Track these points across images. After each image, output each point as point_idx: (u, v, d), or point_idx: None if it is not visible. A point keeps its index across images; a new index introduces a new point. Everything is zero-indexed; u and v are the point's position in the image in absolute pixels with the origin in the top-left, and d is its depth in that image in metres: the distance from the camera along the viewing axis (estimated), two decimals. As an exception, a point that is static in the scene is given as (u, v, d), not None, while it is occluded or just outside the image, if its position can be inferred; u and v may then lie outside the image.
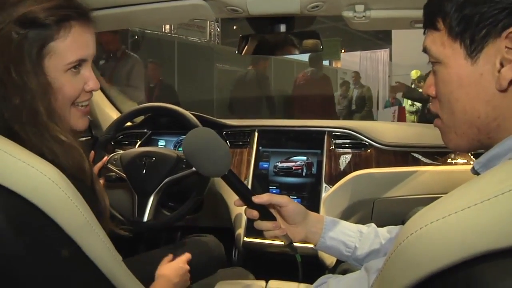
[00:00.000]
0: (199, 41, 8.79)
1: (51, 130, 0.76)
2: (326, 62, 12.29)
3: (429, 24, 0.73)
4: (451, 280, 0.44)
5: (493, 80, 0.65)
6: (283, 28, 1.41)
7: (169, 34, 7.71)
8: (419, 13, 1.24)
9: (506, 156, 0.66)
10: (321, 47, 1.42)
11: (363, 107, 7.50)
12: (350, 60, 12.24)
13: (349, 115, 7.47)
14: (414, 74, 6.95)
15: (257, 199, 0.96)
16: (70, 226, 0.63)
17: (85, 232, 0.65)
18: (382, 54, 10.40)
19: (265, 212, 0.99)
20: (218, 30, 9.32)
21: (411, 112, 6.78)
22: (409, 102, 6.79)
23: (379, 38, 9.22)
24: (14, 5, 0.73)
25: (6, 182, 0.59)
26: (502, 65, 0.64)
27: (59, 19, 0.77)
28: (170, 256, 1.22)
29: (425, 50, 0.75)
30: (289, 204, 1.01)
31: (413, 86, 6.89)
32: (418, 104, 6.67)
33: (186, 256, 1.23)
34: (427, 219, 0.46)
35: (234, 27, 9.42)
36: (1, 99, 0.73)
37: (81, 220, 0.64)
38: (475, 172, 0.73)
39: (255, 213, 0.97)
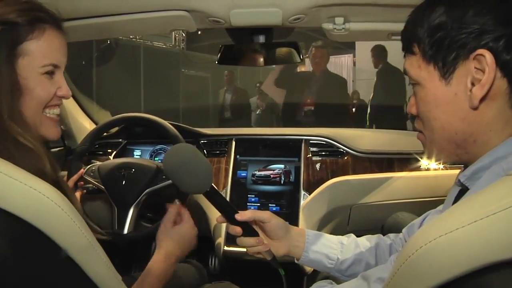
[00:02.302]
0: (164, 46, 8.70)
1: (10, 130, 0.76)
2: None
3: (406, 48, 0.78)
4: None
5: (466, 99, 0.70)
6: (262, 38, 1.42)
7: (134, 39, 7.58)
8: (396, 26, 1.29)
9: (490, 169, 0.70)
10: (301, 57, 1.44)
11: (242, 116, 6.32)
12: (315, 65, 12.40)
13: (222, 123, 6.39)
14: (378, 79, 7.13)
15: (240, 216, 0.97)
16: (72, 247, 0.61)
17: (87, 253, 0.64)
18: (346, 59, 10.60)
19: (248, 228, 1.00)
20: (183, 35, 9.24)
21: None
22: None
23: (343, 43, 9.42)
24: None
25: (5, 205, 0.57)
26: (473, 85, 0.69)
27: (32, 19, 0.80)
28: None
29: (405, 72, 0.80)
30: (272, 219, 1.03)
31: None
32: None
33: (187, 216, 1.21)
34: (435, 233, 0.48)
35: (199, 32, 9.37)
36: None
37: (83, 241, 0.63)
38: (461, 184, 0.77)
39: (238, 230, 0.98)
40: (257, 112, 6.71)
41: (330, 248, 1.06)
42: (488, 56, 0.66)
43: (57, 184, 0.79)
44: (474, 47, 0.67)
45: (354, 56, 10.47)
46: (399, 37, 1.36)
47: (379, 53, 4.95)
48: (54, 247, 0.60)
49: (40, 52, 0.81)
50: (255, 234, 1.00)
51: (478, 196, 0.50)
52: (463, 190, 0.79)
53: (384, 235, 1.15)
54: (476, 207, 0.48)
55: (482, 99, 0.68)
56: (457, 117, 0.72)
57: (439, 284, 0.47)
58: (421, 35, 0.73)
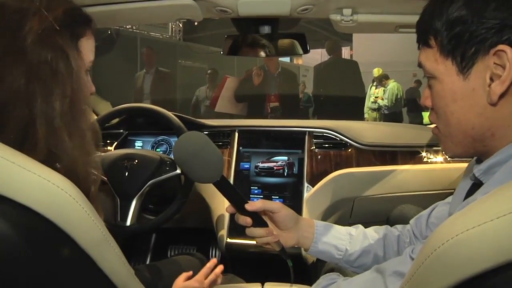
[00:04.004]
0: (161, 37, 8.64)
1: (87, 122, 0.77)
2: (287, 59, 12.42)
3: (422, 40, 0.77)
4: (492, 281, 0.46)
5: (485, 94, 0.69)
6: (268, 29, 1.41)
7: (131, 30, 7.52)
8: (404, 19, 1.29)
9: (507, 163, 0.69)
10: (308, 49, 1.43)
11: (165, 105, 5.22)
12: (311, 57, 12.41)
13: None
14: (376, 72, 7.16)
15: (250, 206, 0.95)
16: (87, 241, 0.60)
17: (101, 247, 0.63)
18: (343, 51, 10.60)
19: (258, 219, 0.99)
20: (180, 26, 9.19)
21: (373, 109, 6.97)
22: (371, 99, 6.98)
23: (340, 36, 9.41)
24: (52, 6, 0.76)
25: (19, 197, 0.56)
26: (492, 80, 0.68)
27: (87, 20, 0.83)
28: (189, 273, 1.19)
29: (420, 65, 0.78)
30: (282, 209, 1.02)
31: (375, 83, 7.10)
32: (381, 102, 6.87)
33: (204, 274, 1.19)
34: (464, 226, 0.48)
35: (196, 23, 9.33)
36: (48, 86, 0.71)
37: (98, 235, 0.62)
38: (476, 178, 0.76)
39: (248, 220, 0.97)
40: (206, 104, 5.90)
41: (339, 239, 1.06)
42: (510, 52, 0.64)
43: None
44: (494, 43, 0.66)
45: (351, 49, 10.46)
46: (406, 30, 1.37)
47: (332, 47, 5.03)
48: (67, 240, 0.59)
49: (89, 50, 0.83)
50: (265, 225, 0.99)
51: (508, 188, 0.49)
52: (475, 184, 0.78)
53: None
54: (506, 200, 0.47)
55: (502, 95, 0.67)
56: (474, 112, 0.71)
57: (467, 278, 0.47)
58: (439, 28, 0.72)
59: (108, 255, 0.64)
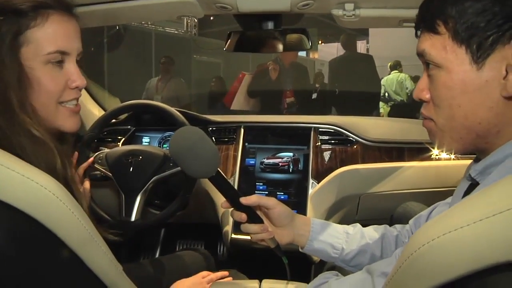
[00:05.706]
0: (176, 32, 8.67)
1: (22, 122, 0.74)
2: (303, 53, 12.32)
3: (427, 26, 0.72)
4: None
5: (498, 87, 0.65)
6: (271, 25, 1.40)
7: (146, 25, 7.56)
8: (408, 13, 1.26)
9: (503, 163, 0.67)
10: (310, 44, 1.42)
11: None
12: (327, 51, 12.31)
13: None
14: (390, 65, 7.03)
15: (245, 200, 0.95)
16: (72, 239, 0.61)
17: (87, 245, 0.63)
18: (359, 45, 10.48)
19: (253, 215, 0.98)
20: (195, 21, 9.19)
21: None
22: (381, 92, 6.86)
23: (356, 30, 9.30)
24: None
25: (4, 197, 0.56)
26: (507, 72, 0.64)
27: (36, 6, 0.76)
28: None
29: (421, 53, 0.73)
30: (277, 206, 1.01)
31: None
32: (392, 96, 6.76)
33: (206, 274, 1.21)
34: (440, 230, 0.46)
35: (211, 18, 9.33)
36: None
37: (83, 233, 0.63)
38: (472, 179, 0.74)
39: (243, 216, 0.96)
40: (157, 98, 5.29)
41: (335, 237, 1.05)
42: None
43: (66, 181, 0.78)
44: None
45: (367, 43, 10.33)
46: (411, 24, 1.34)
47: (348, 41, 5.05)
48: (54, 239, 0.60)
49: (45, 40, 0.77)
50: (260, 221, 0.99)
51: (485, 193, 0.48)
52: (473, 185, 0.76)
53: (392, 225, 1.13)
54: (483, 205, 0.46)
55: None
56: (485, 105, 0.67)
57: (441, 284, 0.46)
58: (454, 14, 0.67)
59: (95, 253, 0.65)
